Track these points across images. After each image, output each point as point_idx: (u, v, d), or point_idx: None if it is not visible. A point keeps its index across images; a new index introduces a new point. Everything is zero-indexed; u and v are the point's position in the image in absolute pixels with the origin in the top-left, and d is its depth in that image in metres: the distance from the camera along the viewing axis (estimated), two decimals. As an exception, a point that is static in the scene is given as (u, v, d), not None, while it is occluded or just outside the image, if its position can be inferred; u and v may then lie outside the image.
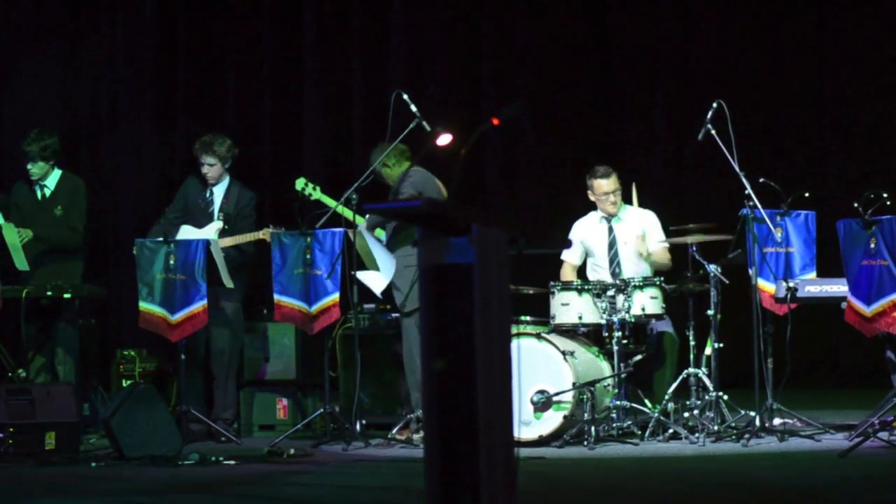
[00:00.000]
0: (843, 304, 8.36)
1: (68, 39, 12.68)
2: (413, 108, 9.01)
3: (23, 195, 9.89)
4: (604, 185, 9.34)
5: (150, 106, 12.79)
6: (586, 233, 9.48)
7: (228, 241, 9.58)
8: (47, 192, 9.86)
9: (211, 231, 9.63)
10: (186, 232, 9.63)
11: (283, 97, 12.80)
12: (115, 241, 12.51)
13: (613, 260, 9.35)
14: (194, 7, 12.91)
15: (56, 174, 9.88)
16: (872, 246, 8.09)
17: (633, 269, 9.29)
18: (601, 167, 9.41)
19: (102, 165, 12.72)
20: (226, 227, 9.66)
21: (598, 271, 9.40)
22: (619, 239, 9.38)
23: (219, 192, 9.79)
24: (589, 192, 9.41)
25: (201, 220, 9.72)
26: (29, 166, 9.80)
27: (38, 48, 12.55)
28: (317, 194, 9.61)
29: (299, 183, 9.66)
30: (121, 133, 12.76)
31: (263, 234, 9.55)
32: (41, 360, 9.70)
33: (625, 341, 8.80)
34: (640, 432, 8.64)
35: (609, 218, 9.41)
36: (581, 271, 9.62)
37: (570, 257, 9.59)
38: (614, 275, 9.25)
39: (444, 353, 4.71)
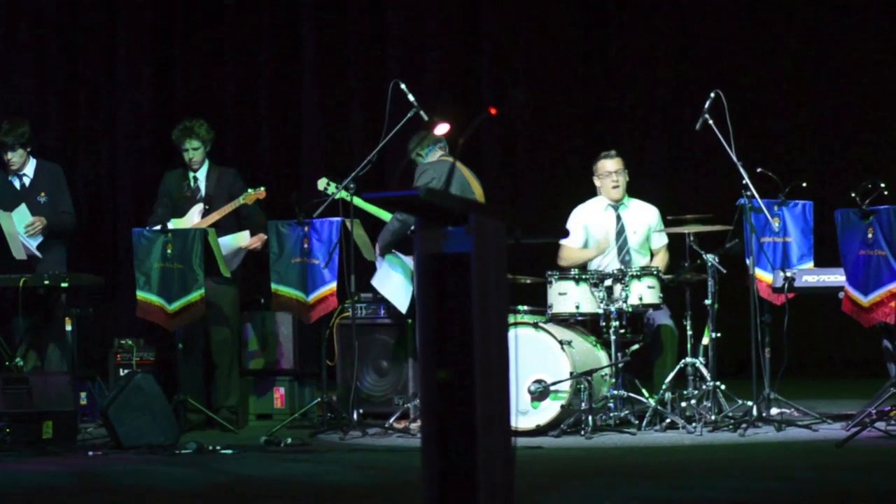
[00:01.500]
0: (841, 294, 8.36)
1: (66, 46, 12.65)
2: (410, 97, 8.98)
3: (1, 185, 9.83)
4: (608, 165, 9.31)
5: (149, 103, 12.77)
6: (589, 218, 9.40)
7: (215, 216, 9.51)
8: (26, 181, 9.79)
9: (195, 215, 9.59)
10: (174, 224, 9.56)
11: (282, 91, 12.77)
12: (114, 230, 12.49)
13: (623, 248, 9.31)
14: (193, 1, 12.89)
15: (32, 162, 9.83)
16: (870, 236, 8.09)
17: (642, 256, 9.29)
18: (608, 151, 9.46)
19: (102, 162, 12.70)
20: (206, 207, 9.62)
21: (602, 259, 9.33)
22: (627, 227, 9.34)
23: (202, 177, 9.74)
24: (595, 178, 9.38)
25: (188, 209, 9.68)
26: (9, 155, 9.72)
27: (36, 54, 12.52)
28: (340, 193, 9.37)
29: (321, 183, 9.52)
30: (120, 130, 12.73)
31: (244, 198, 9.49)
32: (34, 356, 9.64)
33: (622, 331, 8.78)
34: (637, 422, 8.64)
35: (616, 206, 9.38)
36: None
37: (571, 242, 9.48)
38: (624, 262, 9.21)
39: (440, 343, 4.70)
